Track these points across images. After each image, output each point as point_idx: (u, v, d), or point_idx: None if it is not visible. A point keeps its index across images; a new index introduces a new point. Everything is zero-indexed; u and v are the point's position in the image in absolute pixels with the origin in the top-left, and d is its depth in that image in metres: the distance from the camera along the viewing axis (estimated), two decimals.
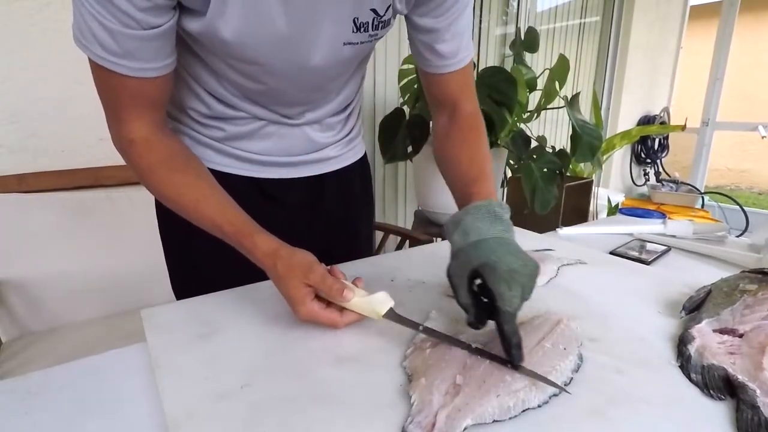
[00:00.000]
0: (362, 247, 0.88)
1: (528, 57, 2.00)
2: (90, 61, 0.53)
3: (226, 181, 0.70)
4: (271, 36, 0.56)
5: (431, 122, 0.75)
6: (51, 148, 1.42)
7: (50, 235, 1.34)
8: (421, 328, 0.49)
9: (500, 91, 1.56)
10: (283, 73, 0.62)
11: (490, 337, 0.48)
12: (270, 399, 0.41)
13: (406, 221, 2.30)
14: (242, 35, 0.54)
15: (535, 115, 1.84)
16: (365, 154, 0.87)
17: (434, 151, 0.72)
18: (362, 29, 0.59)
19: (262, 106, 0.67)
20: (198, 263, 0.75)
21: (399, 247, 1.72)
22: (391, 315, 0.51)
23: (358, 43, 0.60)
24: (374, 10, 0.58)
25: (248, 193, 0.73)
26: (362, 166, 0.86)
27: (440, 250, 0.79)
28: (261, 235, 0.56)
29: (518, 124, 1.81)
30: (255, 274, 0.65)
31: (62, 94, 1.40)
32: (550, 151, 1.77)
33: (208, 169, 0.70)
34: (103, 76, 0.54)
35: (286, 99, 0.67)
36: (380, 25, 0.60)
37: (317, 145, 0.75)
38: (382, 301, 0.51)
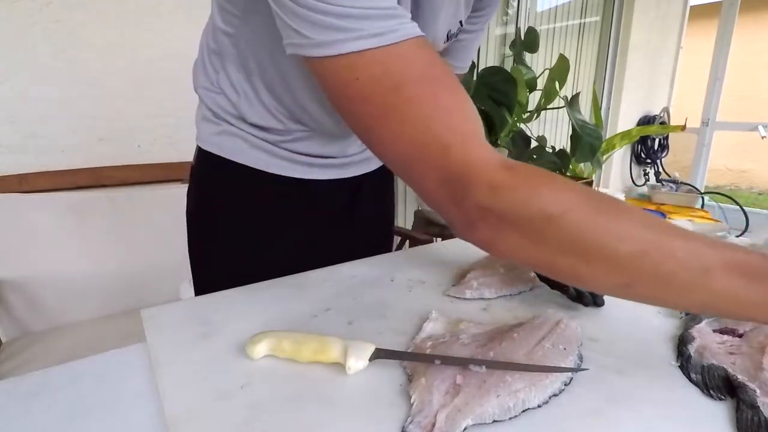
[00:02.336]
0: (388, 244, 0.92)
1: (528, 57, 2.00)
2: (361, 76, 0.35)
3: (275, 183, 0.71)
4: None
5: None
6: (51, 148, 1.42)
7: (50, 235, 1.34)
8: (437, 361, 0.42)
9: (500, 91, 1.56)
10: None
11: (490, 337, 0.48)
12: (270, 399, 0.41)
13: (406, 221, 2.30)
14: None
15: (535, 115, 1.84)
16: None
17: None
18: (450, 38, 0.62)
19: (334, 120, 0.67)
20: (227, 267, 0.76)
21: (399, 247, 1.72)
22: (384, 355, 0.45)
23: (441, 51, 0.64)
24: (461, 21, 0.62)
25: (295, 194, 0.73)
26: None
27: (440, 250, 0.79)
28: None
29: (518, 124, 1.81)
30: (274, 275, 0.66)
31: (62, 94, 1.40)
32: (550, 151, 1.77)
33: (259, 170, 0.69)
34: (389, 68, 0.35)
35: None
36: (459, 33, 0.64)
37: (349, 153, 0.76)
38: (356, 355, 0.44)
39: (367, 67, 0.35)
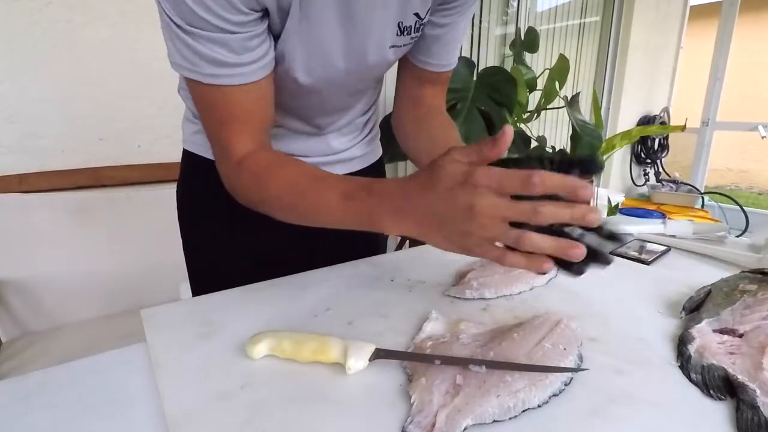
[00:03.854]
0: (379, 246, 0.90)
1: (528, 57, 2.00)
2: (196, 89, 0.53)
3: None
4: (335, 72, 0.59)
5: (396, 114, 0.77)
6: (51, 148, 1.42)
7: (50, 235, 1.34)
8: (437, 361, 0.43)
9: (500, 91, 1.56)
10: (333, 89, 0.64)
11: (490, 337, 0.48)
12: (270, 399, 0.41)
13: None
14: (309, 78, 0.58)
15: (535, 115, 1.84)
16: (382, 154, 0.88)
17: (407, 141, 0.74)
18: (405, 32, 0.60)
19: (298, 118, 0.68)
20: (218, 264, 0.76)
21: (399, 247, 1.72)
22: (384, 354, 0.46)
23: (401, 46, 0.62)
24: (417, 14, 0.60)
25: None
26: (380, 166, 0.87)
27: (440, 250, 0.79)
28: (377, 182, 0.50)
29: (518, 124, 1.81)
30: (272, 273, 0.66)
31: (62, 94, 1.40)
32: (550, 151, 1.77)
33: None
34: (210, 97, 0.53)
35: (326, 109, 0.68)
36: (421, 28, 0.62)
37: (334, 149, 0.75)
38: (355, 354, 0.44)
39: (198, 90, 0.53)
